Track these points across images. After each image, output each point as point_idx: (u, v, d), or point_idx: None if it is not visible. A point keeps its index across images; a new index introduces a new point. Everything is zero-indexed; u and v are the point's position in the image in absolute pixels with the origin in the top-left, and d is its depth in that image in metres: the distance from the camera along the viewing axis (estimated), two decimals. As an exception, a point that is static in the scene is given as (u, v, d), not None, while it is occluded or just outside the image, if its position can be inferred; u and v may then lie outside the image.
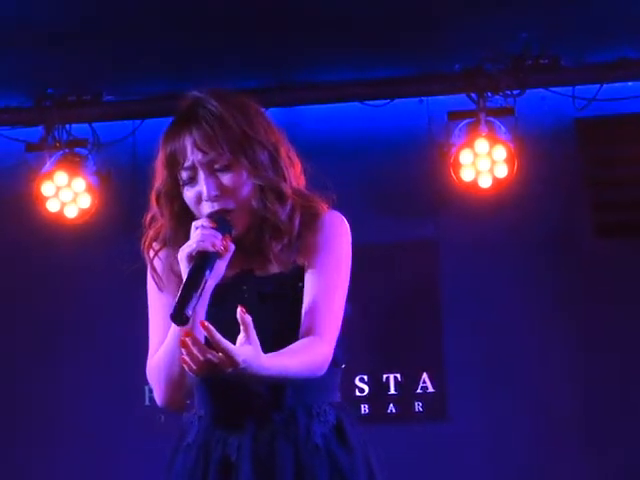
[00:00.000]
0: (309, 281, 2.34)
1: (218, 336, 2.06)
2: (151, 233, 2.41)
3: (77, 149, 5.68)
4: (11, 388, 5.69)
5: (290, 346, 2.24)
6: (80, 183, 5.61)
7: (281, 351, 2.21)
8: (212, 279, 2.23)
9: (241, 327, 2.10)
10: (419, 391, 5.57)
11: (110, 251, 5.30)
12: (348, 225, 2.43)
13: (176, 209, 2.36)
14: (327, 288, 2.33)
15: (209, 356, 2.06)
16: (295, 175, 2.40)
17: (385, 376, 5.61)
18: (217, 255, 2.22)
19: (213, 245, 2.21)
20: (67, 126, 5.67)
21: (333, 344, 2.31)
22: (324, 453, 2.30)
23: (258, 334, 2.13)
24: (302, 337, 2.28)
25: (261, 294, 2.34)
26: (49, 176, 5.58)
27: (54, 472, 5.57)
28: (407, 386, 5.58)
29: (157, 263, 2.40)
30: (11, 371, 5.69)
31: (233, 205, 2.31)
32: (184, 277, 2.20)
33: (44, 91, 5.61)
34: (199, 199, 2.31)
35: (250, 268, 2.38)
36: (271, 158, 2.34)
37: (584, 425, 5.42)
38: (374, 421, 5.49)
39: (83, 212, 5.63)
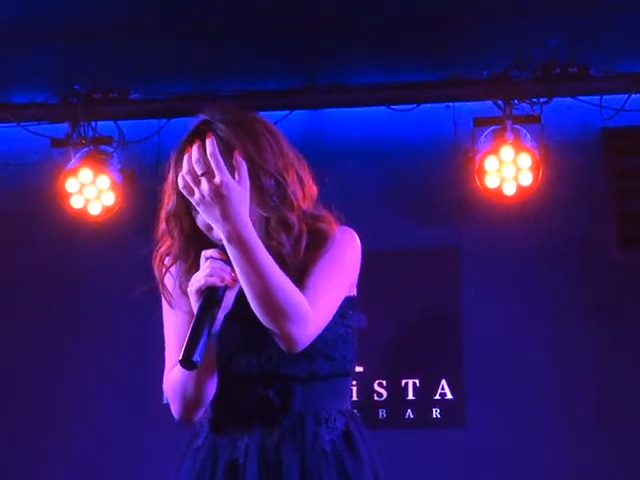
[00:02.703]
0: (308, 270, 2.32)
1: (216, 149, 2.13)
2: (162, 249, 2.40)
3: (102, 146, 5.70)
4: (28, 386, 5.70)
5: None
6: (104, 180, 5.62)
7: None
8: (221, 311, 2.23)
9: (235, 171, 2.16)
10: (437, 397, 5.55)
11: (132, 249, 5.31)
12: (358, 240, 2.41)
13: (186, 229, 2.34)
14: (325, 272, 2.31)
15: (200, 158, 2.12)
16: (306, 193, 2.37)
17: (404, 381, 5.59)
18: (226, 288, 2.21)
19: (222, 280, 2.20)
20: (93, 123, 5.69)
21: (318, 319, 2.26)
22: (332, 459, 2.30)
23: (263, 356, 2.22)
24: None
25: None
26: (74, 172, 5.60)
27: (69, 470, 5.58)
28: (425, 392, 5.57)
29: (168, 280, 2.40)
30: (27, 370, 5.70)
31: None
32: (194, 310, 2.20)
33: (71, 88, 5.63)
34: (210, 226, 2.26)
35: None
36: (278, 185, 2.30)
37: (604, 433, 5.39)
38: (392, 426, 5.49)
39: (106, 209, 5.65)
